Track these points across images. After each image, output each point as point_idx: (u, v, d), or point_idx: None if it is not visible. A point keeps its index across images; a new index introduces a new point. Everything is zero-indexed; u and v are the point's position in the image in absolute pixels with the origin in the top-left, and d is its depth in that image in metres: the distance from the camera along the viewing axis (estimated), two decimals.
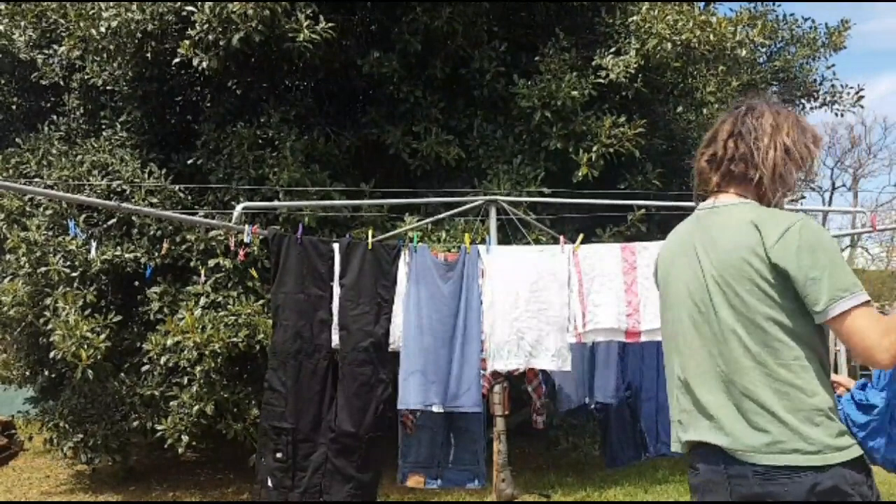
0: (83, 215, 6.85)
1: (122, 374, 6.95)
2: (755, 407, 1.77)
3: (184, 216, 5.62)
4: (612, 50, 7.07)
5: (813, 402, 1.75)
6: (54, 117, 8.10)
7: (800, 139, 1.93)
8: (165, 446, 6.76)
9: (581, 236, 4.38)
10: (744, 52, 7.28)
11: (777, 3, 13.86)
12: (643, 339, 4.09)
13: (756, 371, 1.78)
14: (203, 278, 6.25)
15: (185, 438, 6.50)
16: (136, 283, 7.06)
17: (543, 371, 4.64)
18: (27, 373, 9.00)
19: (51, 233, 6.72)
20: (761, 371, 1.78)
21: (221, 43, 6.21)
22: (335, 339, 4.22)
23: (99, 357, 6.21)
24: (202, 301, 6.43)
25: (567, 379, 4.61)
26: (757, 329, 1.79)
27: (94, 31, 6.71)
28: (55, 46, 7.75)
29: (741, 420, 1.79)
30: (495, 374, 4.31)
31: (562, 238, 4.42)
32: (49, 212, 6.87)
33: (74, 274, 6.62)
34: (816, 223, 1.86)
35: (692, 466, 1.92)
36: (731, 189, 1.98)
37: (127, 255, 6.69)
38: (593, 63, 7.07)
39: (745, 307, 1.80)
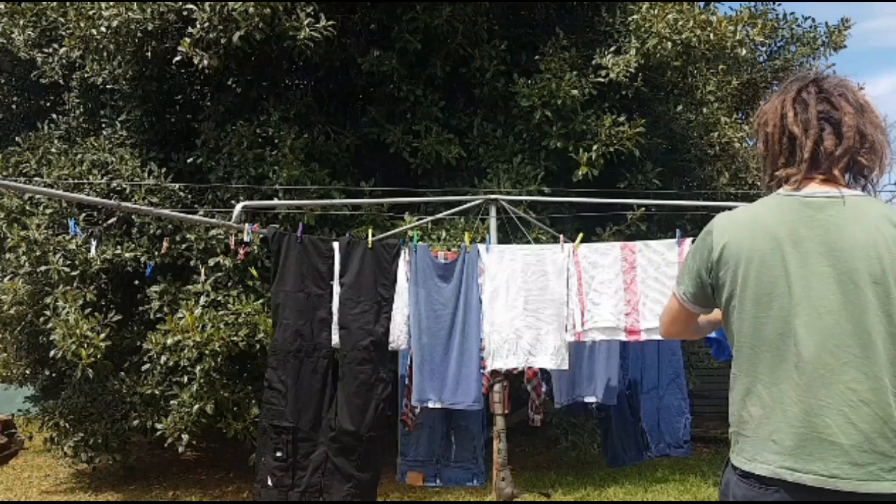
0: (83, 214, 6.85)
1: (123, 373, 6.96)
2: None
3: (184, 215, 5.61)
4: (612, 49, 7.07)
5: None
6: (54, 116, 8.09)
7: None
8: (165, 445, 6.77)
9: (581, 235, 4.39)
10: (744, 52, 7.27)
11: (777, 3, 13.88)
12: (643, 337, 4.09)
13: None
14: (203, 277, 6.25)
15: (185, 437, 6.50)
16: (136, 281, 7.06)
17: (543, 370, 4.65)
18: (27, 371, 9.03)
19: (50, 232, 6.72)
20: None
21: (222, 41, 6.21)
22: (335, 337, 4.22)
23: (99, 356, 6.20)
24: (202, 300, 6.43)
25: (563, 375, 4.61)
26: None
27: (94, 31, 6.71)
28: (55, 45, 7.74)
29: None
30: (494, 372, 4.32)
31: (562, 237, 4.43)
32: (49, 211, 6.87)
33: (74, 273, 6.61)
34: None
35: None
36: (838, 178, 1.81)
37: (127, 254, 6.69)
38: (593, 62, 7.07)
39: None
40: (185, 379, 6.50)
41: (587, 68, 7.09)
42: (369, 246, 4.27)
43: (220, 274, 6.58)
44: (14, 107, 9.02)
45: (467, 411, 4.44)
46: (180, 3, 6.46)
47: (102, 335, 6.27)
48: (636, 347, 4.81)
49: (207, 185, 6.89)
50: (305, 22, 6.27)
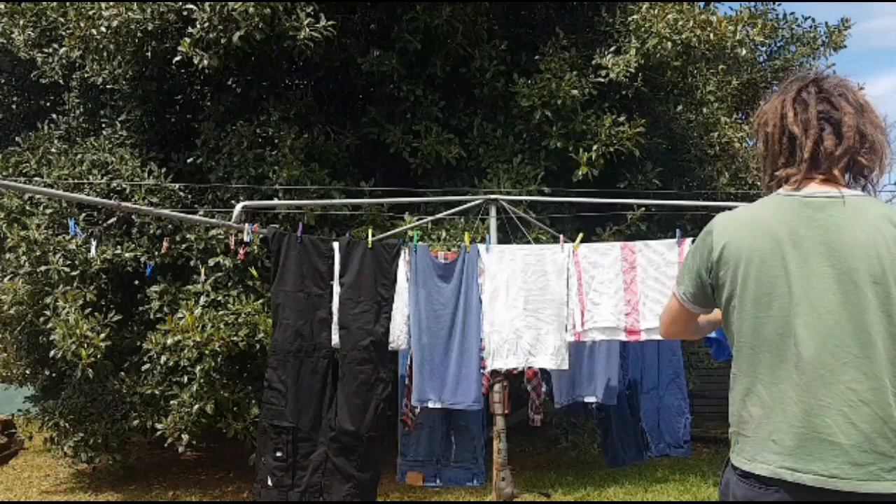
0: (83, 214, 6.85)
1: (123, 373, 6.96)
2: None
3: (184, 215, 5.61)
4: (612, 49, 7.07)
5: None
6: (54, 116, 8.09)
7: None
8: (165, 445, 6.77)
9: (581, 235, 4.39)
10: (744, 52, 7.27)
11: (777, 3, 13.88)
12: (643, 337, 4.09)
13: None
14: (203, 277, 6.25)
15: (185, 437, 6.50)
16: (136, 281, 7.06)
17: (543, 370, 4.65)
18: (27, 371, 9.03)
19: (50, 232, 6.72)
20: None
21: (222, 41, 6.21)
22: (335, 337, 4.22)
23: (99, 356, 6.20)
24: (202, 300, 6.43)
25: (563, 375, 4.61)
26: None
27: (94, 31, 6.71)
28: (55, 45, 7.74)
29: None
30: (494, 372, 4.32)
31: (562, 237, 4.43)
32: (49, 211, 6.87)
33: (74, 273, 6.61)
34: None
35: None
36: (837, 178, 1.80)
37: (127, 254, 6.69)
38: (593, 62, 7.07)
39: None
40: (185, 379, 6.50)
41: (587, 68, 7.09)
42: (369, 246, 4.27)
43: (220, 274, 6.58)
44: (14, 107, 9.02)
45: (467, 411, 4.44)
46: (180, 3, 6.46)
47: (102, 335, 6.27)
48: (636, 347, 4.81)
49: (207, 185, 6.89)
50: (305, 22, 6.27)
